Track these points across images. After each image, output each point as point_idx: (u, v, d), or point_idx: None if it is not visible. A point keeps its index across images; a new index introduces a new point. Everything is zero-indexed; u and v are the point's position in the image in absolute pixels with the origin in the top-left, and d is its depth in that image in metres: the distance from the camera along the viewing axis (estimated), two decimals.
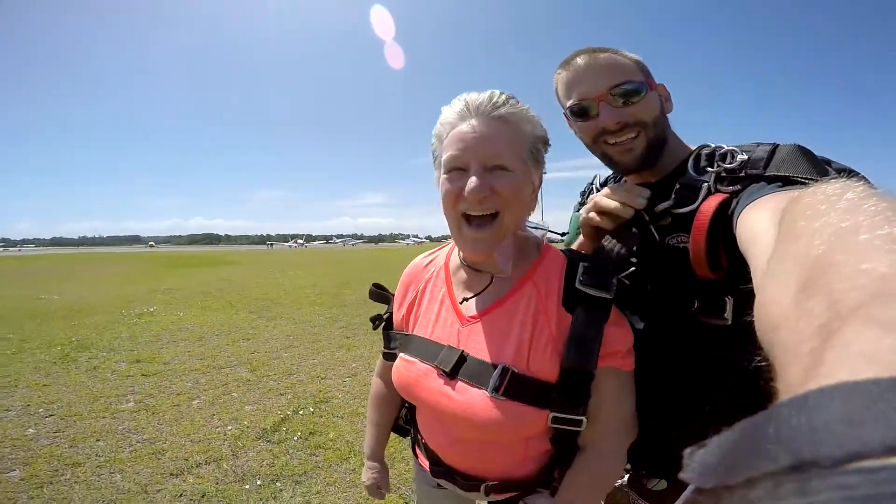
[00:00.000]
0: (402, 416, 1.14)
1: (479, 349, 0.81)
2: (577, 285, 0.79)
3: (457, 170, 0.78)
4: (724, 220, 0.74)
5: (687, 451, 0.16)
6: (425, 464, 0.99)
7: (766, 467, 0.12)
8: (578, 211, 1.06)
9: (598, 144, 0.92)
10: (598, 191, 1.05)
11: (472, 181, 0.75)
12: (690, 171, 0.85)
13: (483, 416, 0.76)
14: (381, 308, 1.09)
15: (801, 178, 0.68)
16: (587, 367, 0.75)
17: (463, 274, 0.91)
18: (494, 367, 0.77)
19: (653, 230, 0.91)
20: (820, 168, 0.70)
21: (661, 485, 0.95)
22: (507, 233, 0.81)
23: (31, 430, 2.93)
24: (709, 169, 0.82)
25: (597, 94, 0.87)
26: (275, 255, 40.31)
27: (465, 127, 0.77)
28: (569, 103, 0.90)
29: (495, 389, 0.76)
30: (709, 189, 0.80)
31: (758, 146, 0.77)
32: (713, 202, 0.76)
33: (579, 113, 0.90)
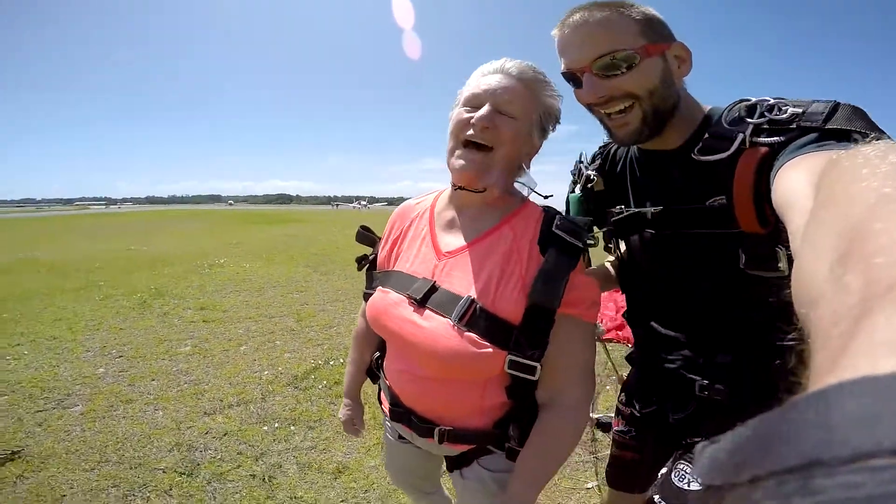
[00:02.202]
0: (373, 361, 1.15)
1: (450, 282, 0.86)
2: (554, 229, 0.84)
3: (471, 106, 0.87)
4: (766, 175, 0.71)
5: (698, 445, 0.16)
6: (386, 408, 1.01)
7: (773, 466, 0.12)
8: (573, 192, 1.10)
9: (594, 112, 0.90)
10: (586, 168, 1.09)
11: (483, 111, 0.84)
12: (724, 122, 0.82)
13: (444, 343, 0.81)
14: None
15: (862, 132, 0.65)
16: (551, 304, 0.79)
17: (447, 214, 0.96)
18: (460, 299, 0.82)
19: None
20: (878, 130, 0.67)
21: None
22: (494, 167, 0.87)
23: (101, 370, 3.30)
24: (748, 120, 0.78)
25: (580, 65, 0.84)
26: (339, 215, 41.97)
27: (491, 78, 0.88)
28: (561, 70, 0.89)
29: (459, 319, 0.80)
30: (743, 140, 0.77)
31: (812, 102, 0.73)
32: (754, 156, 0.74)
33: (568, 80, 0.89)
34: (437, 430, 0.89)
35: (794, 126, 0.71)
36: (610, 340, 3.80)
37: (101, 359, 3.52)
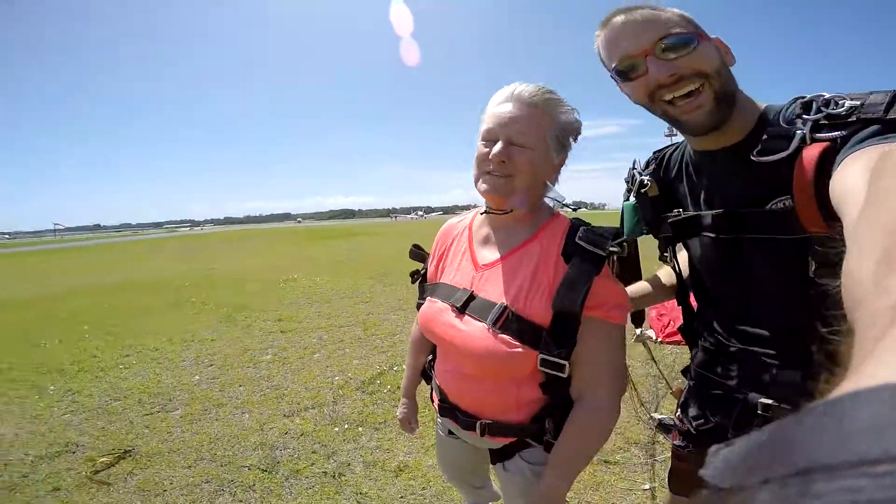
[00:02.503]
0: (427, 363, 1.28)
1: (486, 291, 0.96)
2: (577, 240, 0.90)
3: (488, 140, 0.94)
4: (828, 171, 0.68)
5: (712, 448, 0.16)
6: (436, 403, 1.13)
7: (781, 470, 0.12)
8: (628, 200, 1.09)
9: (657, 104, 0.85)
10: (640, 175, 1.06)
11: (497, 148, 0.91)
12: (781, 122, 0.79)
13: (481, 345, 0.90)
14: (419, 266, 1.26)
15: None
16: (573, 308, 0.85)
17: (483, 231, 1.06)
18: (494, 305, 0.91)
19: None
20: None
21: None
22: (516, 192, 0.94)
23: (196, 377, 3.67)
24: (805, 116, 0.75)
25: (641, 49, 0.81)
26: (398, 227, 43.10)
27: (503, 108, 0.93)
28: (613, 65, 0.86)
29: (493, 323, 0.90)
30: (803, 138, 0.74)
31: (870, 94, 0.71)
32: (814, 150, 0.71)
33: (626, 73, 0.85)
34: (478, 424, 0.98)
35: (853, 119, 0.69)
36: (677, 342, 3.64)
37: (196, 367, 3.92)
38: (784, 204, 0.79)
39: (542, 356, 0.87)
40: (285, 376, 3.55)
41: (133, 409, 3.12)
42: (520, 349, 0.87)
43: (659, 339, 3.89)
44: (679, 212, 0.98)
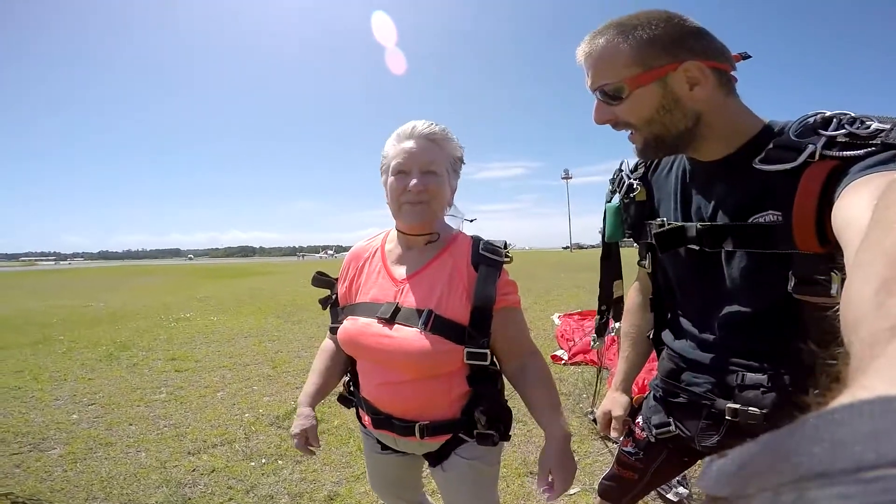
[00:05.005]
0: (346, 387, 1.26)
1: (410, 301, 1.06)
2: (481, 251, 1.08)
3: (401, 173, 1.06)
4: (832, 190, 0.67)
5: (706, 459, 0.22)
6: (367, 420, 1.15)
7: (776, 479, 0.12)
8: (610, 201, 1.12)
9: None
10: (628, 178, 1.06)
11: (414, 181, 1.04)
12: (791, 135, 0.76)
13: (416, 346, 1.00)
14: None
15: None
16: (489, 302, 1.03)
17: (396, 251, 1.16)
18: (422, 311, 1.03)
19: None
20: None
21: None
22: (433, 215, 1.09)
23: (74, 416, 3.26)
24: (821, 132, 0.73)
25: (591, 89, 0.88)
26: (305, 266, 41.39)
27: (407, 145, 1.06)
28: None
29: (424, 325, 1.01)
30: (812, 153, 0.72)
31: None
32: (823, 168, 0.70)
33: None
34: (417, 427, 1.06)
35: (876, 142, 0.66)
36: (578, 363, 4.10)
37: (73, 406, 3.48)
38: (770, 218, 0.78)
39: (467, 350, 1.01)
40: (185, 415, 3.29)
41: None
42: (449, 345, 1.01)
43: (563, 362, 4.37)
44: (664, 221, 0.96)
